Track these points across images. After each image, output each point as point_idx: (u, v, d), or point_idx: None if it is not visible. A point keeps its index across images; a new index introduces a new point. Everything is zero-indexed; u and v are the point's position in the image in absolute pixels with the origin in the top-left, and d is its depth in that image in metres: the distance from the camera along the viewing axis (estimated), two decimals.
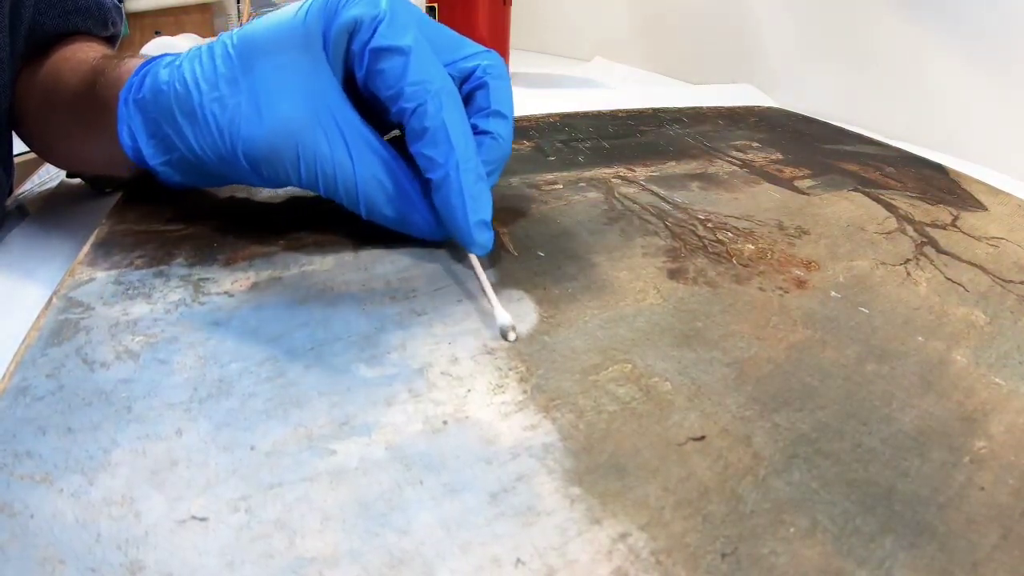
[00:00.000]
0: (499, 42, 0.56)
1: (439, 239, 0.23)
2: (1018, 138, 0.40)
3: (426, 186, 0.21)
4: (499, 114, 0.22)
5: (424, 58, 0.20)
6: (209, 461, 0.14)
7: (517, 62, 0.62)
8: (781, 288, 0.22)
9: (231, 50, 0.21)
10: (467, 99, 0.23)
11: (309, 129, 0.20)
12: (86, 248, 0.22)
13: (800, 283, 0.23)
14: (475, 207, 0.20)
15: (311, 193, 0.24)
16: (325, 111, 0.20)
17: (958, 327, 0.21)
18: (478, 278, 0.21)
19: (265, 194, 0.27)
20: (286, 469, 0.14)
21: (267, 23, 0.21)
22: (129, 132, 0.22)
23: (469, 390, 0.17)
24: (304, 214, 0.25)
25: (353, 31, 0.20)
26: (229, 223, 0.24)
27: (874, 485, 0.15)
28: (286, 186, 0.22)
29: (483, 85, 0.22)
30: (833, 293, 0.22)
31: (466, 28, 0.53)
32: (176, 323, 0.18)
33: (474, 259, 0.21)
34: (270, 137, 0.20)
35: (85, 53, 0.26)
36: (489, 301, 0.20)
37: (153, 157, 0.22)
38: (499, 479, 0.14)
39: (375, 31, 0.20)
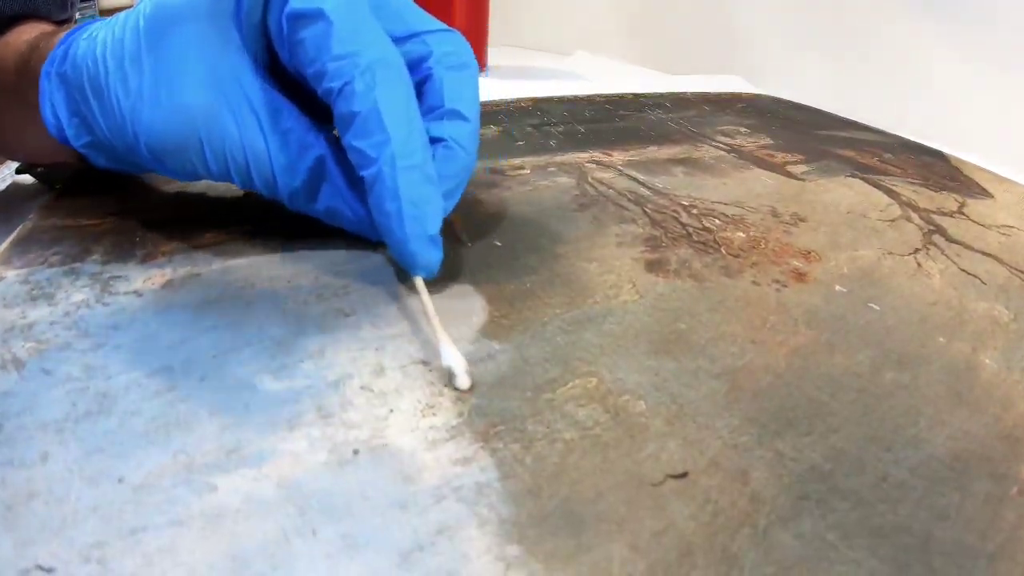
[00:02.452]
0: (477, 36, 0.55)
1: (376, 239, 0.19)
2: (1015, 127, 0.39)
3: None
4: (455, 114, 0.18)
5: (353, 23, 0.16)
6: (70, 495, 0.12)
7: (494, 56, 0.59)
8: (778, 282, 0.20)
9: (141, 22, 0.17)
10: (415, 95, 0.18)
11: (214, 112, 0.17)
12: (4, 246, 0.20)
13: (799, 276, 0.20)
14: (416, 216, 0.16)
15: None
16: (235, 89, 0.17)
17: (981, 325, 0.18)
18: (423, 307, 0.17)
19: (204, 183, 0.24)
20: (154, 509, 0.12)
21: None
22: (52, 109, 0.19)
23: (391, 410, 0.14)
24: (240, 204, 0.23)
25: None
26: (159, 215, 0.22)
27: (906, 533, 0.11)
28: (197, 179, 0.19)
29: (436, 76, 0.18)
30: (838, 287, 0.19)
31: (440, 20, 0.51)
32: (72, 327, 0.16)
33: (419, 282, 0.17)
34: (170, 125, 0.17)
35: (28, 34, 0.23)
36: (433, 334, 0.16)
37: (75, 138, 0.19)
38: (415, 531, 0.11)
39: None
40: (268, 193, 0.18)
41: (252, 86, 0.17)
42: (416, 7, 0.19)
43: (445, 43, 0.19)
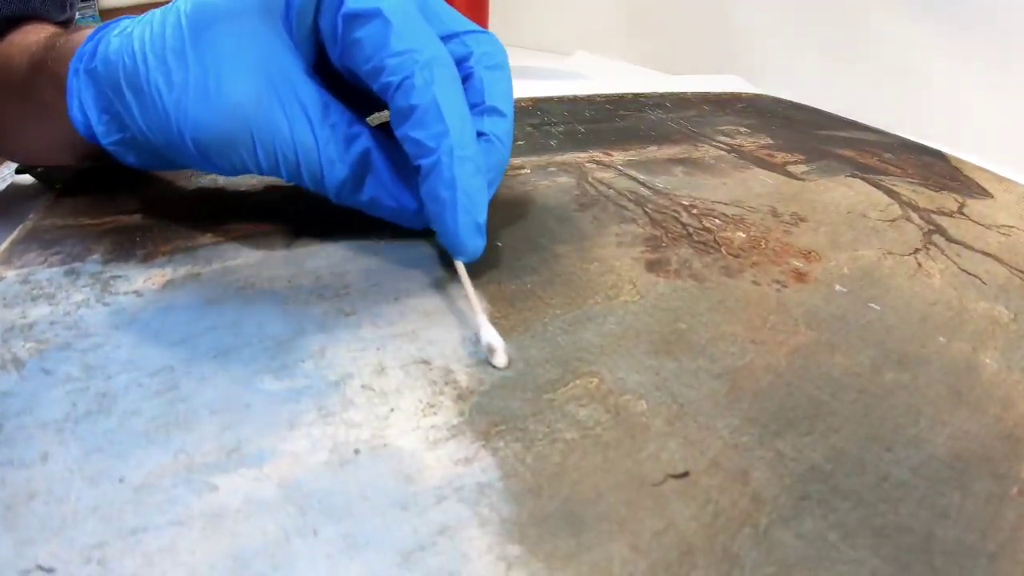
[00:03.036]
0: None
1: (420, 228, 0.20)
2: (1015, 128, 0.39)
3: (406, 170, 0.18)
4: (495, 111, 0.19)
5: (410, 22, 0.17)
6: (70, 495, 0.12)
7: None
8: (778, 282, 0.20)
9: (183, 18, 0.18)
10: None
11: (266, 109, 0.17)
12: (4, 245, 0.20)
13: (800, 276, 0.20)
14: (469, 205, 0.17)
15: (253, 180, 0.22)
16: (285, 87, 0.17)
17: (981, 324, 0.18)
18: (465, 291, 0.17)
19: (205, 180, 0.25)
20: (155, 509, 0.12)
21: None
22: (80, 106, 0.19)
23: (392, 409, 0.14)
24: (241, 203, 0.23)
25: None
26: (160, 215, 0.22)
27: (908, 532, 0.11)
28: (243, 173, 0.19)
29: (476, 75, 0.19)
30: (838, 287, 0.19)
31: None
32: (73, 326, 0.16)
33: (460, 266, 0.18)
34: (221, 120, 0.17)
35: (36, 34, 0.23)
36: (474, 314, 0.16)
37: (105, 135, 0.19)
38: (416, 532, 0.11)
39: None
40: (314, 187, 0.19)
41: (302, 82, 0.18)
42: (451, 8, 0.20)
43: (483, 44, 0.19)
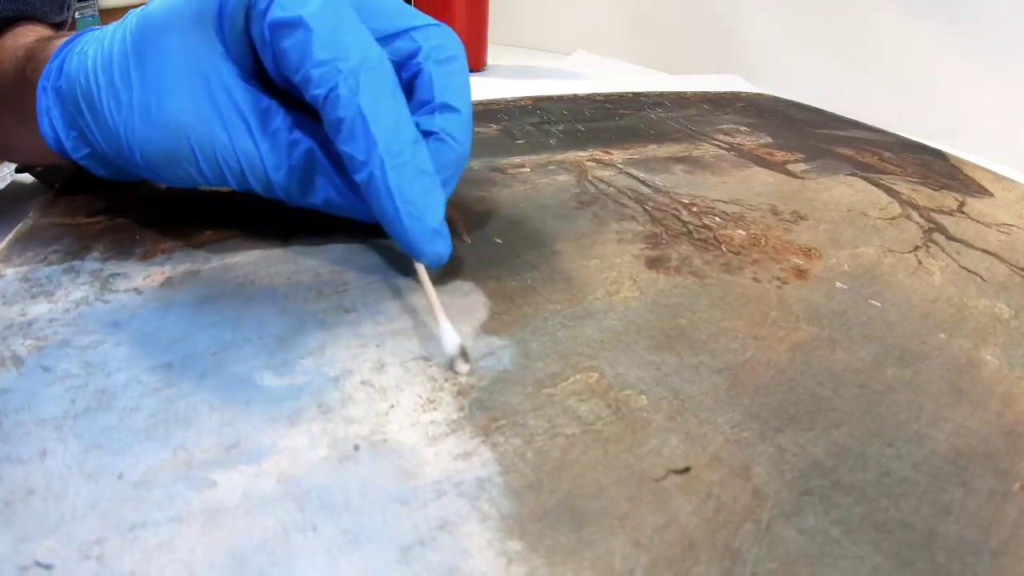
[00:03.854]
0: (477, 36, 0.54)
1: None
2: (1015, 128, 0.39)
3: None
4: (447, 107, 0.18)
5: (333, 28, 0.16)
6: (69, 491, 0.12)
7: (494, 56, 0.59)
8: (779, 278, 0.20)
9: (128, 36, 0.17)
10: (407, 91, 0.19)
11: (204, 121, 0.17)
12: (3, 244, 0.20)
13: (800, 273, 0.20)
14: (414, 212, 0.16)
15: None
16: (222, 95, 0.17)
17: (982, 322, 0.18)
18: (425, 293, 0.17)
19: None
20: (154, 505, 0.12)
21: None
22: (49, 123, 0.19)
23: (392, 405, 0.14)
24: (240, 201, 0.23)
25: (250, 3, 0.16)
26: (158, 213, 0.22)
27: (910, 529, 0.11)
28: (195, 186, 0.19)
29: (426, 72, 0.18)
30: (838, 284, 0.19)
31: (440, 20, 0.51)
32: (72, 324, 0.16)
33: (421, 269, 0.17)
34: (163, 137, 0.17)
35: (24, 38, 0.23)
36: (436, 320, 0.16)
37: (74, 150, 0.19)
38: (415, 527, 0.11)
39: (272, 0, 0.16)
40: (265, 193, 0.18)
41: (238, 90, 0.17)
42: (401, 2, 0.19)
43: (433, 37, 0.19)
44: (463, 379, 0.14)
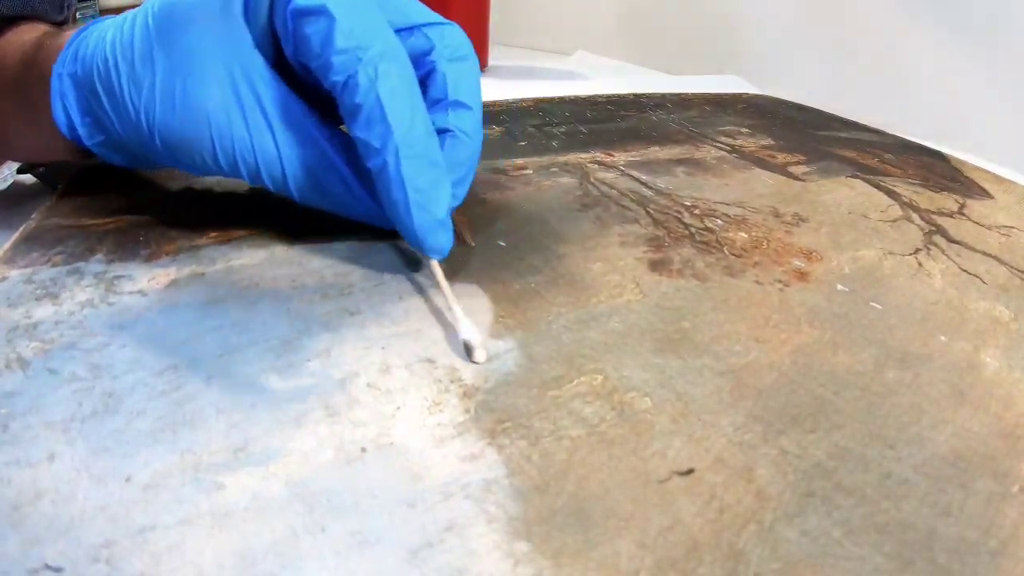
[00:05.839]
0: (478, 36, 0.54)
1: (389, 228, 0.19)
2: (1015, 128, 0.39)
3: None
4: (460, 105, 0.19)
5: (356, 17, 0.16)
6: (77, 494, 0.12)
7: (495, 56, 0.59)
8: (780, 281, 0.20)
9: (150, 21, 0.18)
10: (420, 88, 0.19)
11: (224, 111, 0.17)
12: (7, 245, 0.20)
13: (801, 275, 0.20)
14: (423, 203, 0.17)
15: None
16: (246, 88, 0.17)
17: (982, 324, 0.18)
18: (438, 285, 0.17)
19: (209, 181, 0.25)
20: (162, 508, 0.12)
21: None
22: (63, 109, 0.19)
23: (399, 408, 0.14)
24: (244, 202, 0.23)
25: None
26: (162, 215, 0.22)
27: (911, 529, 0.11)
28: (209, 175, 0.19)
29: (439, 70, 0.19)
30: (839, 286, 0.19)
31: None
32: (77, 326, 0.16)
33: (434, 264, 0.18)
34: (184, 123, 0.17)
35: (29, 33, 0.24)
36: (451, 311, 0.16)
37: (89, 137, 0.20)
38: (423, 528, 0.11)
39: None
40: (276, 189, 0.19)
41: (263, 82, 0.17)
42: (412, 1, 0.19)
43: (446, 36, 0.19)
44: (469, 381, 0.14)
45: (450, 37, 0.19)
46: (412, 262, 0.19)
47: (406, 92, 0.17)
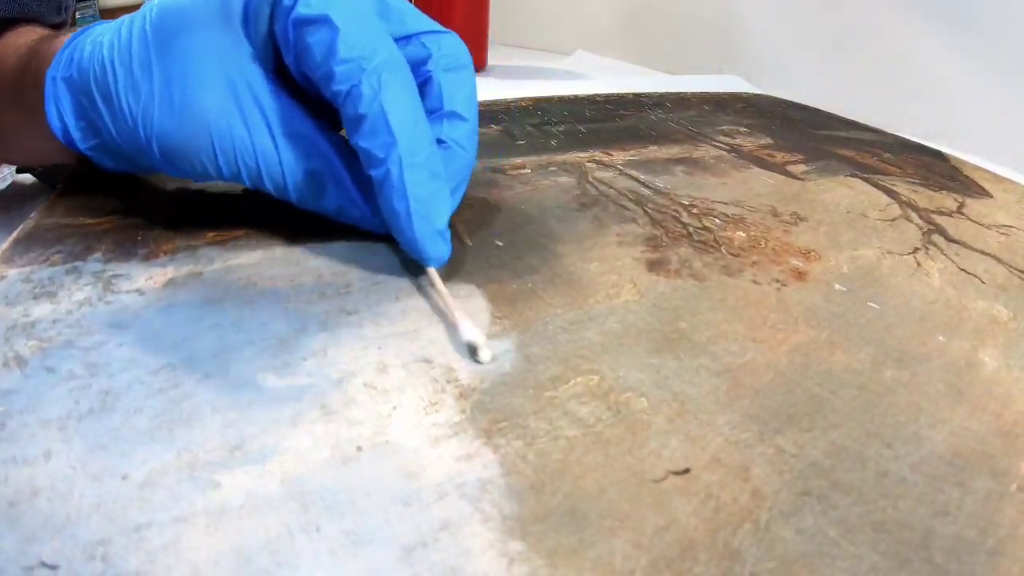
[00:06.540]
0: (477, 36, 0.55)
1: (384, 234, 0.20)
2: (1015, 128, 0.39)
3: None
4: (455, 116, 0.19)
5: (359, 27, 0.17)
6: (73, 492, 0.12)
7: (494, 56, 0.59)
8: (778, 280, 0.20)
9: (148, 27, 0.18)
10: None
11: (226, 116, 0.17)
12: (6, 244, 0.20)
13: (799, 275, 0.20)
14: (424, 212, 0.17)
15: None
16: (246, 94, 0.17)
17: (981, 323, 0.18)
18: (437, 291, 0.17)
19: (204, 183, 0.24)
20: (158, 506, 0.12)
21: None
22: (57, 113, 0.19)
23: (395, 407, 0.14)
24: (242, 203, 0.23)
25: (275, 1, 0.17)
26: (160, 214, 0.22)
27: (907, 528, 0.11)
28: (208, 180, 0.19)
29: (435, 79, 0.19)
30: (837, 286, 0.19)
31: (440, 20, 0.51)
32: (75, 325, 0.16)
33: (432, 272, 0.18)
34: (184, 129, 0.17)
35: (26, 37, 0.24)
36: (451, 315, 0.16)
37: (82, 141, 0.20)
38: (418, 527, 0.11)
39: None
40: (278, 194, 0.19)
41: (263, 91, 0.18)
42: (412, 7, 0.20)
43: (444, 45, 0.19)
44: (465, 381, 0.14)
45: (447, 46, 0.19)
46: (410, 263, 0.19)
47: (409, 102, 0.17)
